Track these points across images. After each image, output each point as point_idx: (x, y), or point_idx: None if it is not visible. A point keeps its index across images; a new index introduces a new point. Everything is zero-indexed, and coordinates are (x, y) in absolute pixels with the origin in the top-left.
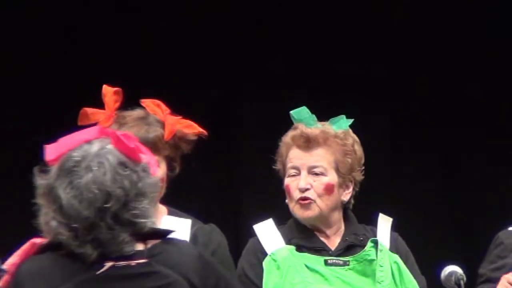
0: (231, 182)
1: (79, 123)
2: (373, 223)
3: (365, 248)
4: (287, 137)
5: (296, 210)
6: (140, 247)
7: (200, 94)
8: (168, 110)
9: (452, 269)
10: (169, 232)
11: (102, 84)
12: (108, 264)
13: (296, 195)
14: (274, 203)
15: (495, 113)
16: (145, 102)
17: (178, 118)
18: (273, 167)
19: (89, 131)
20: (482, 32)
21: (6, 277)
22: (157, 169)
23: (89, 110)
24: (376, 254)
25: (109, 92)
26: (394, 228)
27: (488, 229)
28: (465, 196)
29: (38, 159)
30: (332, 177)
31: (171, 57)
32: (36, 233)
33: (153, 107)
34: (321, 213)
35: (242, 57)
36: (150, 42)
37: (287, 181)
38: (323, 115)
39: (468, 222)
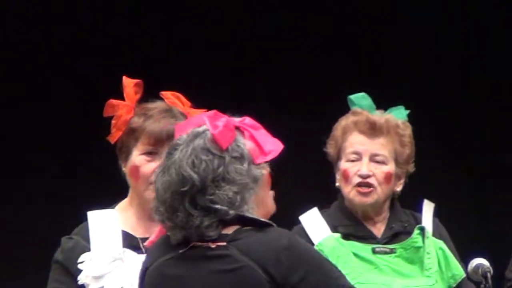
0: None
1: (104, 115)
2: (414, 208)
3: (412, 235)
4: (348, 121)
5: (353, 195)
6: (228, 231)
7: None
8: (189, 103)
9: (478, 262)
10: (259, 222)
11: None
12: (191, 244)
13: (355, 180)
14: (300, 192)
15: None
16: (165, 94)
17: (201, 111)
18: (324, 149)
19: (206, 115)
20: None
21: None
22: (266, 158)
23: (114, 101)
24: (423, 241)
25: (129, 84)
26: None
27: None
28: (492, 190)
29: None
30: (391, 167)
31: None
32: None
33: (173, 99)
34: (378, 201)
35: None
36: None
37: (345, 165)
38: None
39: (496, 216)
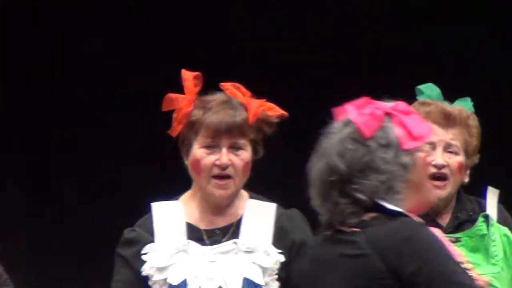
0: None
1: (164, 109)
2: (477, 195)
3: (476, 223)
4: (419, 111)
5: None
6: (366, 218)
7: None
8: (249, 93)
9: None
10: (389, 210)
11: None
12: (335, 228)
13: (430, 170)
14: None
15: None
16: (225, 85)
17: (260, 101)
18: None
19: (353, 103)
20: None
21: None
22: (414, 143)
23: (173, 95)
24: (488, 228)
25: (189, 77)
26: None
27: None
28: None
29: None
30: (462, 157)
31: None
32: None
33: (233, 90)
34: (450, 193)
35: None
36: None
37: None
38: None
39: None
